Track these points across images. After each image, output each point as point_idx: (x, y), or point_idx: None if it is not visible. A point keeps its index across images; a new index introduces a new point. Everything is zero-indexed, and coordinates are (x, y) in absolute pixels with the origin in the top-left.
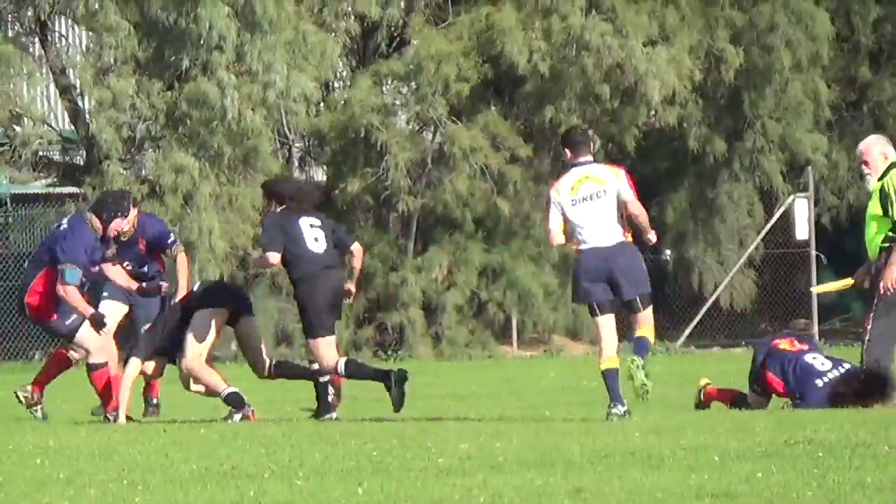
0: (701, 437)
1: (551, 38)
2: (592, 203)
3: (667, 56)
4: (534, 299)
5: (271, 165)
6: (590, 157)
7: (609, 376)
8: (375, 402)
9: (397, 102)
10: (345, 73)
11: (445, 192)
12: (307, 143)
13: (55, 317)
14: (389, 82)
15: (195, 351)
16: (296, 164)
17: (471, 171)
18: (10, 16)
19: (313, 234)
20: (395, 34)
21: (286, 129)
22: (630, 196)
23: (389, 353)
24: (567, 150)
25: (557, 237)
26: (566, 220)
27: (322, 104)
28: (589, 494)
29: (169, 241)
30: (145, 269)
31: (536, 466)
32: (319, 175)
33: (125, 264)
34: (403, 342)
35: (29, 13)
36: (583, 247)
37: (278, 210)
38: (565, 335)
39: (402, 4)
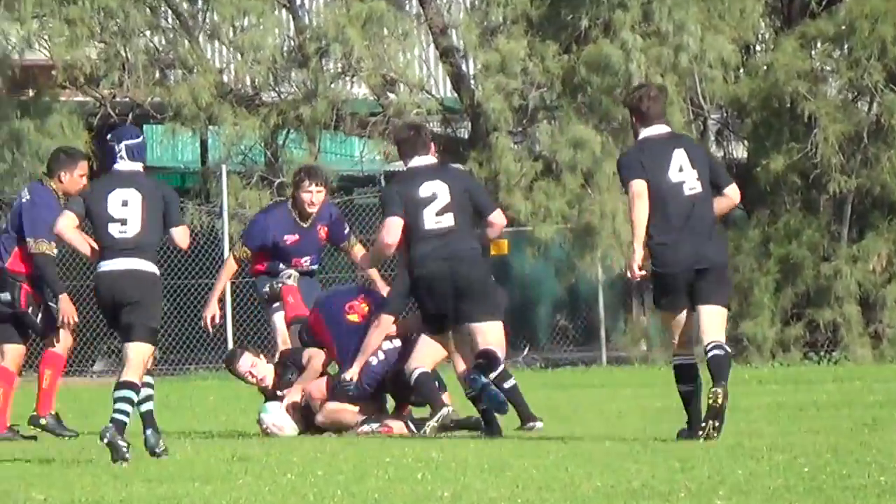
0: None
1: None
2: None
3: None
4: None
5: None
6: None
7: None
8: (803, 411)
9: (827, 68)
10: (767, 35)
11: (884, 170)
12: (724, 114)
13: None
14: (818, 45)
15: None
16: (711, 137)
17: None
18: None
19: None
20: None
21: (700, 97)
22: None
23: (822, 354)
24: None
25: None
26: None
27: (741, 70)
28: None
29: (346, 231)
30: (316, 266)
31: None
32: (739, 151)
33: (303, 260)
34: (837, 342)
35: None
36: None
37: None
38: None
39: None
